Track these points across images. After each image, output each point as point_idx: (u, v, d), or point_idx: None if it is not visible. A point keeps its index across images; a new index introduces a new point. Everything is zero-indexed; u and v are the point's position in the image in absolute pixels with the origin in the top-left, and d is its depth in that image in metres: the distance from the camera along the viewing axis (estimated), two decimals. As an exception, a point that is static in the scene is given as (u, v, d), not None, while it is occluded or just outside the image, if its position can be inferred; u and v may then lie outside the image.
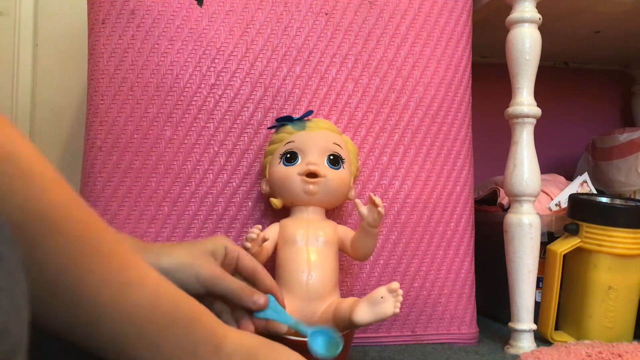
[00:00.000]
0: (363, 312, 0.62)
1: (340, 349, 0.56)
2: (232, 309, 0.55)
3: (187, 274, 0.50)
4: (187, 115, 0.81)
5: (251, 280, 0.57)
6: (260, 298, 0.54)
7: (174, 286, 0.35)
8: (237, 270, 0.58)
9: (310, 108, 0.83)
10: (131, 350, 0.31)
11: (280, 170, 0.74)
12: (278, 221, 0.76)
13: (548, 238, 0.93)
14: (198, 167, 0.81)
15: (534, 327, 0.82)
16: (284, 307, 0.59)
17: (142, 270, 0.33)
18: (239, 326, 0.54)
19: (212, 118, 0.82)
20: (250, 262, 0.58)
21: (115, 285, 0.30)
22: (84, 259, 0.28)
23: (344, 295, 0.81)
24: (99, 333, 0.30)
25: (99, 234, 0.30)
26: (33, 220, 0.27)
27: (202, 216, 0.81)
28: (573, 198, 0.91)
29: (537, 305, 0.88)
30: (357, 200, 0.71)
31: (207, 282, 0.51)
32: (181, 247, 0.55)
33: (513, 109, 0.83)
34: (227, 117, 0.82)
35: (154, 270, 0.33)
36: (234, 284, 0.53)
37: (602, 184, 1.16)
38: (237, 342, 0.39)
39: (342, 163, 0.75)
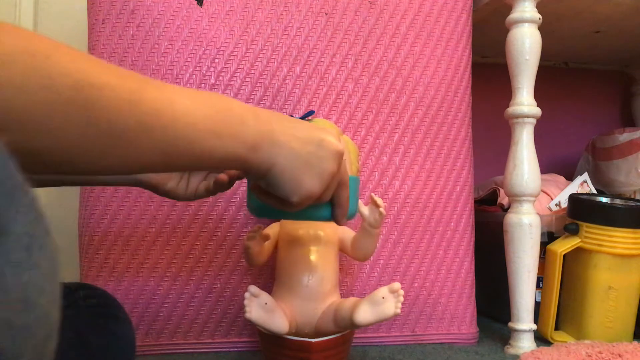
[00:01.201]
0: (364, 313, 0.62)
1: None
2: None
3: None
4: (187, 115, 0.81)
5: None
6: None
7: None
8: None
9: (311, 108, 0.83)
10: (202, 144, 0.40)
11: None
12: (278, 221, 0.76)
13: (548, 238, 0.93)
14: (198, 167, 0.81)
15: (534, 327, 0.82)
16: None
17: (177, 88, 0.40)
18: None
19: (212, 118, 0.81)
20: None
21: (169, 102, 0.38)
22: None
23: (344, 295, 0.81)
24: (176, 146, 0.38)
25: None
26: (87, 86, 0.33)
27: (202, 216, 0.81)
28: (573, 198, 0.91)
29: (537, 305, 0.88)
30: (359, 201, 0.71)
31: None
32: None
33: (513, 109, 0.83)
34: (227, 117, 0.82)
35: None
36: None
37: (602, 184, 1.16)
38: (267, 110, 0.47)
39: (343, 163, 0.75)
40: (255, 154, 0.43)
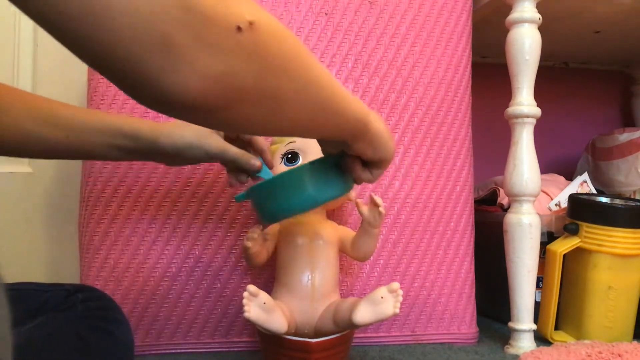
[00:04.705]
0: (363, 312, 0.62)
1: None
2: (235, 173, 0.67)
3: (198, 151, 0.64)
4: (187, 115, 0.81)
5: (249, 142, 0.68)
6: (256, 162, 0.65)
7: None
8: (238, 137, 0.68)
9: (311, 108, 0.84)
10: (343, 104, 0.46)
11: (282, 170, 0.74)
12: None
13: (548, 238, 0.93)
14: (198, 167, 0.81)
15: (534, 327, 0.82)
16: (270, 166, 0.68)
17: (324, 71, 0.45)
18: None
19: (212, 118, 0.81)
20: None
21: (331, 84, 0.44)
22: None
23: (344, 295, 0.81)
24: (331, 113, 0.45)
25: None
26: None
27: (202, 216, 0.81)
28: (573, 198, 0.91)
29: (537, 305, 0.88)
30: (359, 200, 0.71)
31: (215, 155, 0.64)
32: (191, 126, 0.64)
33: (513, 109, 0.83)
34: (227, 117, 0.82)
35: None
36: (237, 153, 0.65)
37: (602, 184, 1.16)
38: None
39: (342, 163, 0.75)
40: (369, 117, 0.51)
